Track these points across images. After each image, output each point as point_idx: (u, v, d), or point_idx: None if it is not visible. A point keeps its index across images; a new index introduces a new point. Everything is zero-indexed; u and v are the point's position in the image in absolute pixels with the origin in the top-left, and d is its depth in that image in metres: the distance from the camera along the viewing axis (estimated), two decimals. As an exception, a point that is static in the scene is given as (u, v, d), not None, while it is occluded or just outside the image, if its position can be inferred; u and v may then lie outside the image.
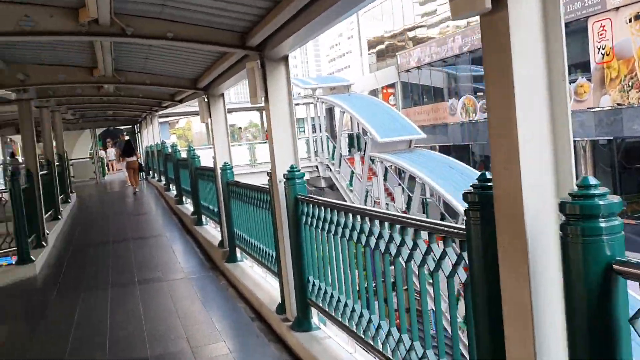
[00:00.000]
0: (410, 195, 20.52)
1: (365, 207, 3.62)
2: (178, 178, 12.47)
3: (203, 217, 9.65)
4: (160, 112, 18.65)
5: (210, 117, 7.30)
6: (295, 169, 4.32)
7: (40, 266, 8.06)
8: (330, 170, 25.62)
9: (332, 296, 3.87)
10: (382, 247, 3.09)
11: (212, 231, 8.93)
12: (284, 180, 4.34)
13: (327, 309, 3.96)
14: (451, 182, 17.94)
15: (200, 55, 6.22)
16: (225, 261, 7.05)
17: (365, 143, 25.76)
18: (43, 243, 9.00)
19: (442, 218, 18.45)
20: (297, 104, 27.66)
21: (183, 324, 5.15)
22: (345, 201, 20.84)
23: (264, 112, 4.69)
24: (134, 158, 17.78)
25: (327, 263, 3.95)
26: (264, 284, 5.76)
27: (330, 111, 29.96)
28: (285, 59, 4.64)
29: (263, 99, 4.59)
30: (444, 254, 2.51)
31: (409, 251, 2.79)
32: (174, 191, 14.62)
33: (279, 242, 4.69)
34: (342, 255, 3.62)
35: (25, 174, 8.90)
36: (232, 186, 6.82)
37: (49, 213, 11.14)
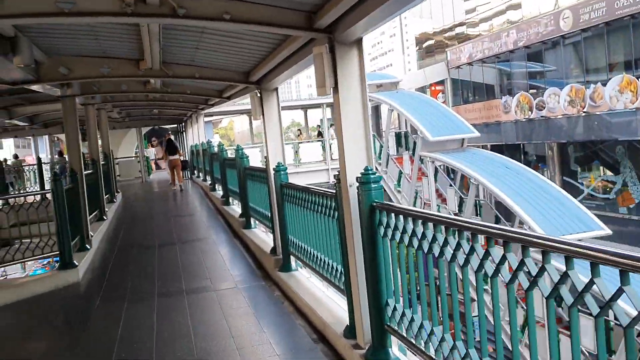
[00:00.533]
0: (463, 196, 19.61)
1: (463, 218, 3.09)
2: (224, 178, 11.99)
3: (252, 220, 9.11)
4: (206, 111, 18.31)
5: (263, 113, 6.71)
6: (370, 172, 3.72)
7: (84, 271, 7.65)
8: (377, 170, 24.85)
9: (417, 324, 3.32)
10: (488, 267, 2.58)
11: (262, 235, 8.37)
12: (357, 184, 3.77)
13: (410, 339, 3.40)
14: (508, 183, 17.01)
15: (256, 42, 5.63)
16: (279, 270, 6.46)
17: (414, 142, 24.99)
18: (87, 246, 8.61)
19: (497, 221, 17.50)
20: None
21: (238, 345, 4.56)
22: (392, 201, 20.10)
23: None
24: (176, 156, 17.87)
25: (412, 284, 3.43)
26: (325, 300, 5.13)
27: (375, 109, 29.15)
28: (359, 42, 4.05)
29: (332, 88, 3.99)
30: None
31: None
32: (219, 191, 14.20)
33: (349, 255, 4.04)
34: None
35: (69, 174, 8.53)
36: (287, 189, 6.21)
37: (94, 213, 10.82)
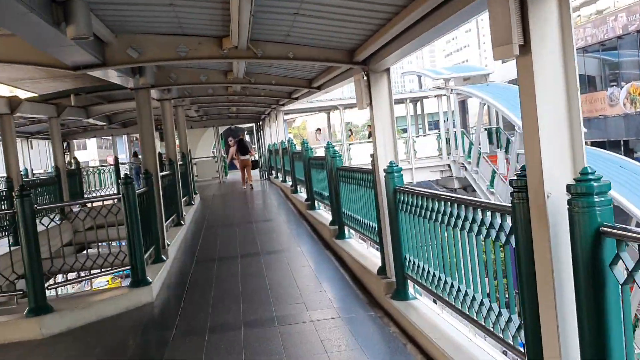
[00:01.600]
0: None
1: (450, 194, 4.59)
2: (309, 180, 10.80)
3: (346, 229, 7.86)
4: (285, 108, 17.27)
5: (371, 101, 5.40)
6: (393, 165, 5.08)
7: (158, 288, 6.63)
8: (466, 169, 23.03)
9: (427, 271, 4.39)
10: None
11: (360, 248, 7.08)
12: (385, 174, 5.06)
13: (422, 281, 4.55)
14: (625, 184, 14.90)
15: (365, 13, 4.39)
16: (391, 297, 5.14)
17: (507, 139, 22.97)
18: (163, 257, 7.64)
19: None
20: (426, 97, 25.33)
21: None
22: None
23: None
24: (247, 156, 18.08)
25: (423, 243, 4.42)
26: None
27: (462, 104, 27.23)
28: (387, 71, 5.50)
29: (368, 105, 5.44)
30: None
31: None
32: (302, 193, 13.08)
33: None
34: (436, 236, 4.14)
35: (144, 176, 7.58)
36: (405, 194, 4.87)
37: (171, 218, 9.92)
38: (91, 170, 18.60)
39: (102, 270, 6.33)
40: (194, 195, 14.26)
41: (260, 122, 23.12)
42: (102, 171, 18.14)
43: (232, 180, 24.20)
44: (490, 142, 23.58)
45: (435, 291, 4.31)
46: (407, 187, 4.99)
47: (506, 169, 20.09)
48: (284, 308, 5.59)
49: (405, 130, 49.29)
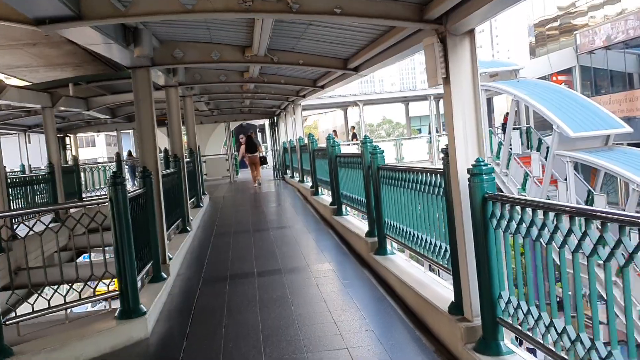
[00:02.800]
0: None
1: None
2: (335, 181, 9.31)
3: (388, 243, 6.39)
4: (303, 102, 15.80)
5: (448, 73, 3.91)
6: (482, 163, 3.69)
7: (155, 319, 5.19)
8: (494, 171, 21.41)
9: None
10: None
11: (417, 273, 5.57)
12: (469, 176, 3.69)
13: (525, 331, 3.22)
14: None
15: None
16: (476, 348, 3.65)
17: (539, 139, 21.36)
18: (163, 274, 6.19)
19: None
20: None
21: None
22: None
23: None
24: (255, 154, 18.21)
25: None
26: None
27: (487, 102, 25.55)
28: (471, 32, 3.99)
29: (443, 81, 3.98)
30: None
31: None
32: (324, 196, 11.62)
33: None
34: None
35: (141, 175, 6.11)
36: (500, 204, 3.39)
37: (175, 224, 8.48)
38: (91, 167, 17.19)
39: (86, 291, 4.86)
40: (203, 197, 12.81)
41: (275, 118, 21.64)
42: (103, 168, 16.72)
43: (243, 179, 22.79)
44: (521, 142, 21.98)
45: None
46: (506, 196, 3.51)
47: (541, 172, 18.50)
48: (317, 354, 4.11)
49: (420, 130, 47.61)
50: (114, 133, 22.96)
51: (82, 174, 15.40)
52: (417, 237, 5.22)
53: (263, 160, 19.02)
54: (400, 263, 5.95)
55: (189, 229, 9.17)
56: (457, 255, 4.05)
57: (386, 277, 5.88)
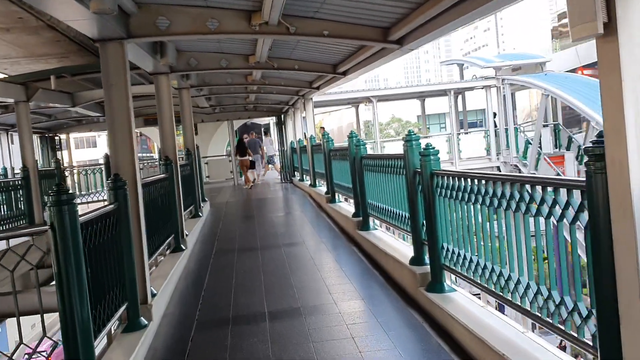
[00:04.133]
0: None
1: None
2: (360, 188, 7.65)
3: (447, 276, 4.74)
4: (318, 99, 14.15)
5: (611, 18, 2.24)
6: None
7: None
8: (520, 172, 19.73)
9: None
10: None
11: (482, 314, 3.92)
12: None
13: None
14: None
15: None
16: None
17: (569, 137, 19.65)
18: (142, 319, 4.55)
19: None
20: (471, 88, 22.06)
21: None
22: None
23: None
24: (245, 157, 18.08)
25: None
26: None
27: (504, 98, 23.82)
28: None
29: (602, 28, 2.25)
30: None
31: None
32: (342, 204, 10.00)
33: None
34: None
35: (110, 187, 4.46)
36: None
37: (166, 243, 6.84)
38: (77, 170, 15.53)
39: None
40: (202, 205, 11.16)
41: (282, 116, 19.96)
42: (89, 171, 15.04)
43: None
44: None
45: None
46: None
47: (576, 173, 16.78)
48: None
49: (428, 129, 45.78)
50: (105, 131, 21.32)
51: (68, 178, 13.76)
52: (517, 283, 3.53)
53: (252, 164, 18.69)
54: (464, 304, 4.29)
55: (184, 247, 7.52)
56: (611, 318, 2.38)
57: (446, 323, 4.22)
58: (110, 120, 4.86)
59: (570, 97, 16.37)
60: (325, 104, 24.72)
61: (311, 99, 13.92)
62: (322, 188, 12.85)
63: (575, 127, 23.08)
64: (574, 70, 23.52)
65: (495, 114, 21.09)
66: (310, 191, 13.92)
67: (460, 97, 23.82)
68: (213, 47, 8.00)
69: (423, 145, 5.08)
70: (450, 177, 4.48)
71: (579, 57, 22.69)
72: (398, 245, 6.15)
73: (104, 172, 14.42)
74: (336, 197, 10.57)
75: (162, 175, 7.11)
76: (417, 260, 5.24)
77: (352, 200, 9.02)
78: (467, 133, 23.31)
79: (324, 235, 8.64)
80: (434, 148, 4.90)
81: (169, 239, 7.08)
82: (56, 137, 19.56)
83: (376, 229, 7.56)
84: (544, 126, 19.49)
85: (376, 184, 7.05)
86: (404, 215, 5.76)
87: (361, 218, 7.77)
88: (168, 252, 7.23)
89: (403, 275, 5.42)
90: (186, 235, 7.91)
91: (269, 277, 6.27)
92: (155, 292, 5.18)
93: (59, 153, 19.54)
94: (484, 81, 20.85)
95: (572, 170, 16.79)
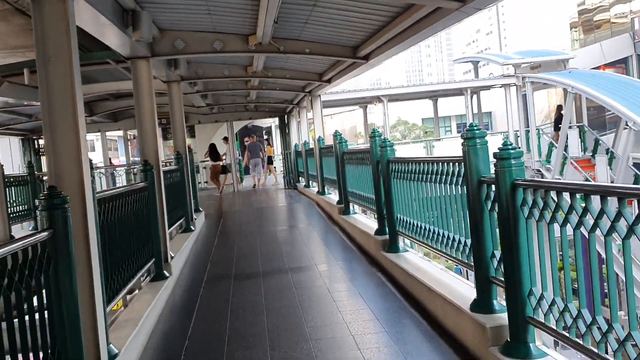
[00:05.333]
0: None
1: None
2: (388, 200, 6.13)
3: (537, 334, 3.23)
4: (327, 97, 12.67)
5: None
6: None
7: None
8: (542, 177, 18.23)
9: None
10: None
11: None
12: None
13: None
14: None
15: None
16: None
17: (597, 140, 18.15)
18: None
19: None
20: (488, 87, 20.57)
21: None
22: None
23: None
24: (217, 162, 17.67)
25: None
26: None
27: (523, 97, 22.33)
28: None
29: None
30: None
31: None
32: (358, 216, 8.57)
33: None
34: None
35: (43, 206, 2.96)
36: None
37: (145, 269, 5.35)
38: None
39: None
40: (195, 217, 9.64)
41: (286, 116, 18.46)
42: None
43: (248, 187, 19.66)
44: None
45: None
46: None
47: (608, 180, 15.25)
48: None
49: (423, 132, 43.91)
50: (94, 132, 19.74)
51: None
52: None
53: (224, 169, 18.27)
54: None
55: (167, 274, 6.01)
56: None
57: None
58: (45, 110, 3.36)
59: (605, 97, 14.87)
60: (331, 104, 23.27)
61: (319, 95, 12.42)
62: (333, 196, 11.37)
63: (600, 130, 21.57)
64: (596, 69, 22.04)
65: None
66: (317, 199, 12.43)
67: (475, 96, 22.33)
68: (205, 23, 6.59)
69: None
70: (550, 191, 2.98)
71: (603, 54, 21.19)
72: (448, 280, 4.63)
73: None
74: (350, 207, 9.08)
75: (139, 185, 5.60)
76: (481, 305, 3.74)
77: (372, 213, 7.55)
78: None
79: (340, 256, 7.13)
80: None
81: (147, 265, 5.57)
82: (39, 140, 18.07)
83: (408, 250, 6.06)
84: (570, 128, 17.97)
85: (409, 195, 5.55)
86: (459, 241, 4.25)
87: (387, 236, 6.27)
88: (145, 281, 5.74)
89: (460, 324, 3.91)
90: (171, 258, 6.40)
91: (274, 320, 4.75)
92: (116, 351, 3.68)
93: (43, 158, 18.04)
94: (503, 79, 19.36)
95: (605, 175, 15.25)
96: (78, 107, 3.44)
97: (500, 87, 19.61)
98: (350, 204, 9.04)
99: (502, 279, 3.51)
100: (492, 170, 3.45)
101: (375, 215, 7.10)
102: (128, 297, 5.13)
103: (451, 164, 4.23)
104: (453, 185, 4.24)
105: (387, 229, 6.37)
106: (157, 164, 6.23)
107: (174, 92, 9.08)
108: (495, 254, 3.61)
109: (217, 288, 6.01)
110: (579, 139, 17.63)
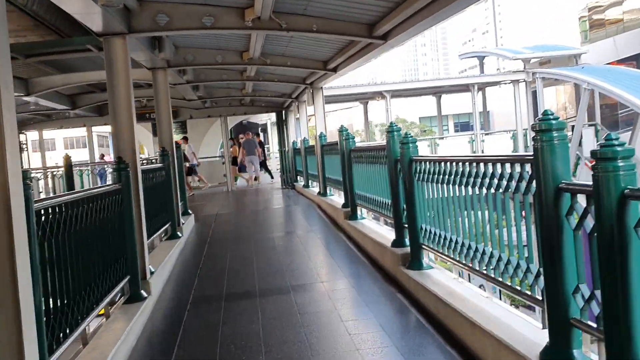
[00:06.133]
0: None
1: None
2: (409, 205, 5.11)
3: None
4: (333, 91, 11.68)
5: None
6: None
7: None
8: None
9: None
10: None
11: None
12: None
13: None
14: None
15: None
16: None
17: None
18: None
19: None
20: (494, 83, 19.61)
21: None
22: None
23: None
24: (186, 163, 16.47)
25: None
26: None
27: (534, 94, 21.42)
28: None
29: None
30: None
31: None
32: (368, 222, 7.59)
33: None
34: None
35: None
36: None
37: (117, 289, 4.33)
38: (34, 173, 12.87)
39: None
40: (183, 222, 8.61)
41: (284, 111, 17.41)
42: (46, 176, 12.40)
43: (243, 186, 18.64)
44: (581, 144, 17.80)
45: None
46: None
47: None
48: None
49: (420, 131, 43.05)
50: (78, 127, 18.57)
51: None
52: None
53: (190, 171, 16.74)
54: None
55: (145, 294, 4.99)
56: None
57: None
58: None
59: (626, 93, 13.91)
60: (329, 100, 22.21)
61: (321, 88, 11.40)
62: (336, 198, 10.37)
63: (613, 128, 20.66)
64: (608, 65, 21.08)
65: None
66: (319, 201, 11.41)
67: (480, 93, 21.36)
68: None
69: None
70: None
71: (617, 49, 20.24)
72: (500, 313, 3.62)
73: (62, 178, 11.81)
74: (358, 211, 8.08)
75: (109, 188, 4.57)
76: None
77: (385, 219, 6.59)
78: (487, 133, 20.86)
79: (349, 271, 6.11)
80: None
81: (120, 285, 4.55)
82: (21, 135, 16.96)
83: (430, 267, 5.05)
84: (584, 126, 17.01)
85: (440, 201, 4.56)
86: (519, 265, 3.25)
87: (408, 249, 5.27)
88: (118, 303, 4.71)
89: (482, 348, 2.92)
90: (150, 273, 5.38)
91: (273, 356, 3.75)
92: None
93: (24, 155, 16.94)
94: (512, 75, 18.39)
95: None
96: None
97: (509, 83, 18.64)
98: (358, 208, 8.04)
99: (594, 325, 2.53)
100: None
101: (391, 222, 6.12)
102: (93, 325, 4.13)
103: (513, 165, 3.22)
104: (516, 194, 3.22)
105: (407, 240, 5.38)
106: (134, 162, 5.20)
107: (159, 80, 8.05)
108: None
109: (205, 313, 4.98)
110: (594, 138, 16.69)
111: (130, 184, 4.95)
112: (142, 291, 4.99)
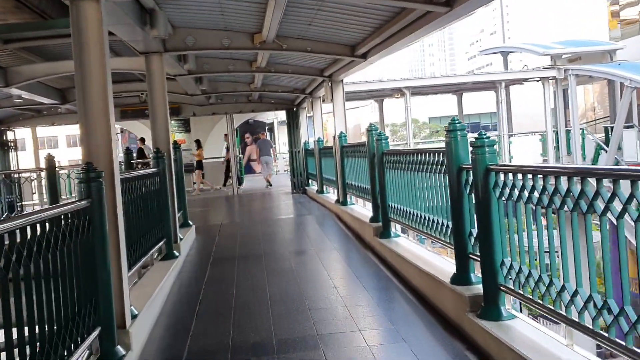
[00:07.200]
0: None
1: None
2: (486, 231, 3.73)
3: None
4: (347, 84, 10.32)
5: None
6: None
7: None
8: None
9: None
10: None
11: None
12: None
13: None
14: None
15: None
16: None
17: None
18: None
19: None
20: (521, 80, 18.18)
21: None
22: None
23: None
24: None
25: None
26: None
27: (563, 93, 19.93)
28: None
29: None
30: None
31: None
32: (404, 240, 6.23)
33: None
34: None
35: None
36: None
37: (87, 343, 2.95)
38: (18, 176, 11.47)
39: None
40: (181, 237, 7.23)
41: (295, 108, 16.01)
42: (28, 179, 11.07)
43: (249, 189, 17.31)
44: (620, 147, 16.36)
45: None
46: None
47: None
48: None
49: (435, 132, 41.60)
50: (71, 124, 17.26)
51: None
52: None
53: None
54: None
55: (123, 351, 3.62)
56: None
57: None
58: None
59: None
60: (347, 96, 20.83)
61: (342, 81, 10.03)
62: (359, 209, 9.00)
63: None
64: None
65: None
66: (338, 211, 10.02)
67: (503, 90, 19.93)
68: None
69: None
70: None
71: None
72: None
73: (43, 180, 10.46)
74: (391, 227, 6.70)
75: (71, 207, 3.20)
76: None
77: (434, 240, 5.21)
78: (511, 135, 19.43)
79: (393, 314, 4.71)
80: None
81: (85, 344, 3.18)
82: (9, 132, 15.62)
83: (512, 317, 3.66)
84: (626, 127, 15.55)
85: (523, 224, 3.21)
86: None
87: (482, 292, 3.87)
88: (90, 355, 3.36)
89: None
90: (132, 319, 4.01)
91: None
92: None
93: (12, 154, 15.56)
94: (541, 72, 16.97)
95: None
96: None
97: (538, 80, 17.23)
98: (392, 224, 6.66)
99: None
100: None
101: (442, 244, 4.75)
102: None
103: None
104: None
105: (472, 276, 4.02)
106: (109, 169, 3.83)
107: (154, 66, 6.71)
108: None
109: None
110: (638, 141, 15.24)
111: (103, 200, 3.59)
112: (119, 347, 3.62)
